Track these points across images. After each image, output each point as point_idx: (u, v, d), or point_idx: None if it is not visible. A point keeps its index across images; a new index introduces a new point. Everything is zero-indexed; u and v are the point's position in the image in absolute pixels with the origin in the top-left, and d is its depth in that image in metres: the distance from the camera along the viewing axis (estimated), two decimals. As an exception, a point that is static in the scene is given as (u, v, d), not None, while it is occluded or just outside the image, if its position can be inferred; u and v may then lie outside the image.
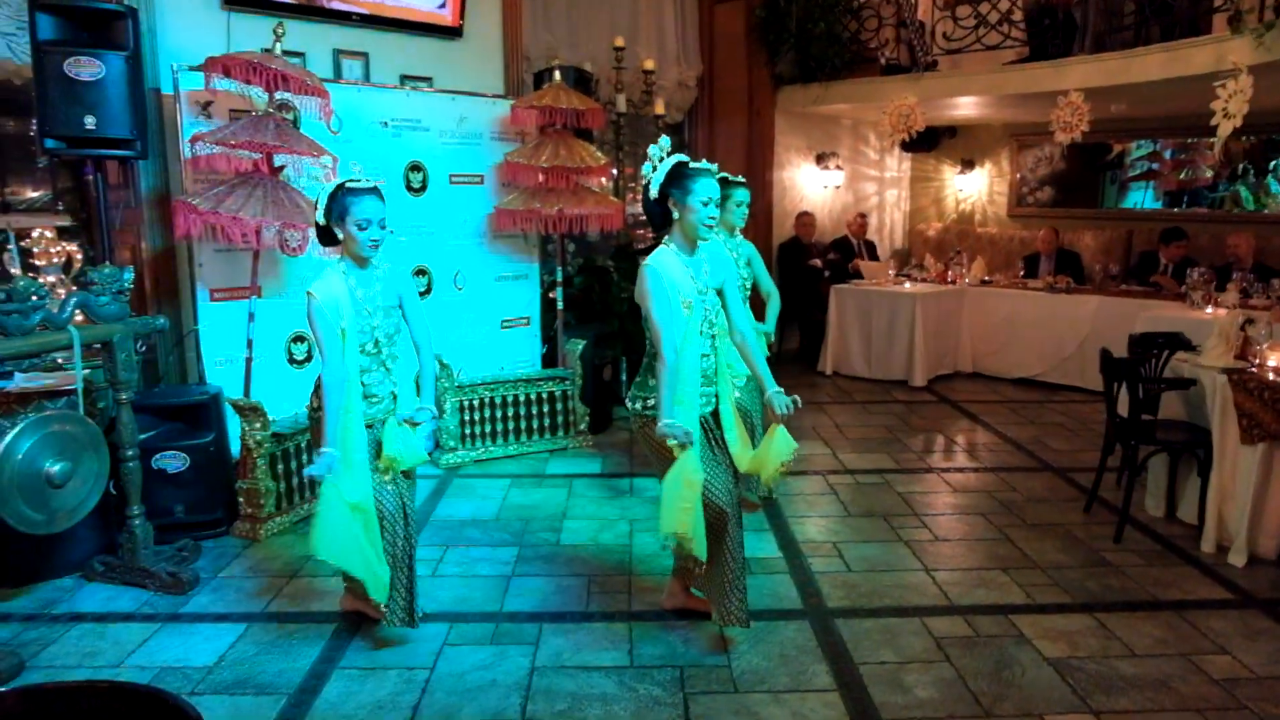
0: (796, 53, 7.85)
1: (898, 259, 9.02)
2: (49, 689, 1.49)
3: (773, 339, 4.38)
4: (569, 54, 6.44)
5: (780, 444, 3.01)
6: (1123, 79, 6.07)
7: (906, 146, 8.46)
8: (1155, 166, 8.44)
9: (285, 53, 4.25)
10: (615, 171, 6.62)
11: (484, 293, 5.54)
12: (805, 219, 8.37)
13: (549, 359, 5.88)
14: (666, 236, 2.96)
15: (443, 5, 5.89)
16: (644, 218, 3.04)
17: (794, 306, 8.01)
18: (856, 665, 2.98)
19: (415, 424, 3.07)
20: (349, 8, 5.48)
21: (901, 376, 7.27)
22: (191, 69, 4.16)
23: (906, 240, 9.83)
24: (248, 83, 4.03)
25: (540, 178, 5.27)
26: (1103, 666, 2.96)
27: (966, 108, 7.94)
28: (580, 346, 5.47)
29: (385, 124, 4.98)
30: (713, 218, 2.88)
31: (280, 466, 4.18)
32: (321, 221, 2.95)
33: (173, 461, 3.95)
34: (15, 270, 3.97)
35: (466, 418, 5.21)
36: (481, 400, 5.25)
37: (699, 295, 2.90)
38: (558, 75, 5.42)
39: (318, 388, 3.02)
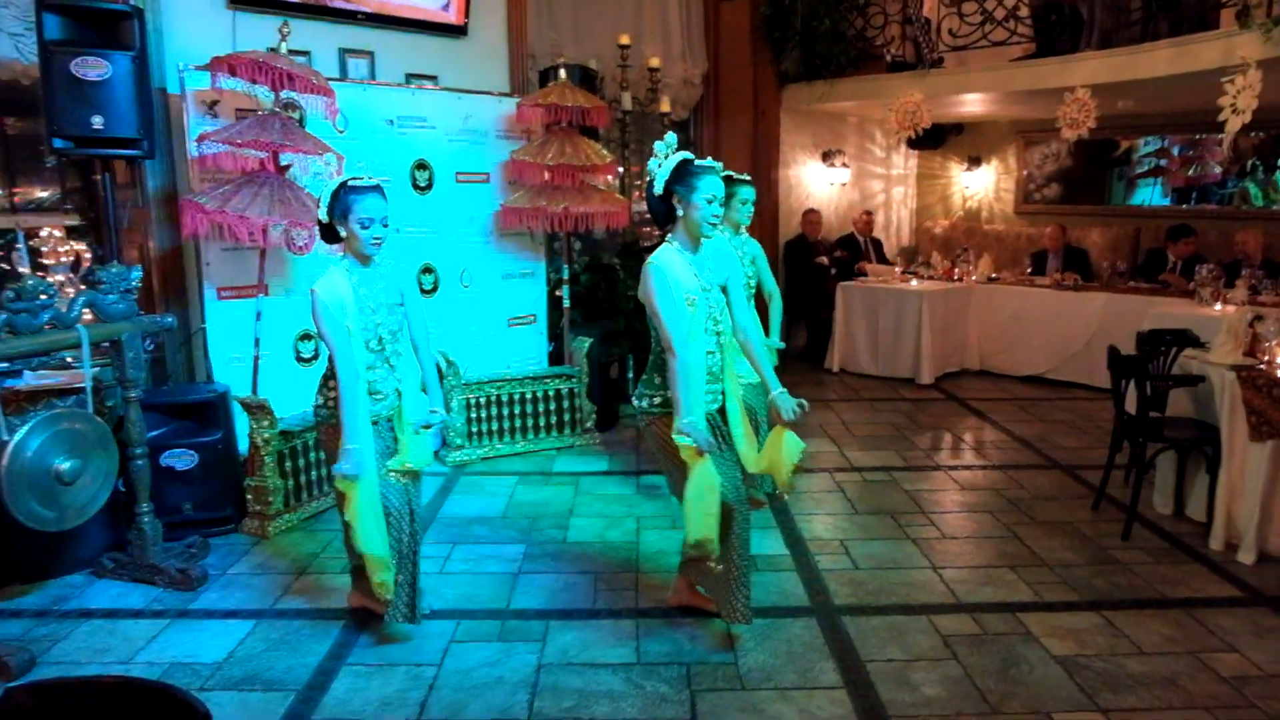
0: (802, 50, 7.83)
1: (904, 256, 8.99)
2: (59, 684, 1.50)
3: (781, 346, 4.38)
4: (574, 52, 6.44)
5: (789, 446, 3.01)
6: (1130, 75, 6.04)
7: (913, 144, 8.46)
8: (1163, 163, 8.39)
9: (291, 52, 4.25)
10: (621, 169, 6.62)
11: (490, 291, 5.55)
12: (811, 216, 8.35)
13: (555, 357, 5.88)
14: (670, 234, 2.96)
15: (447, 4, 5.90)
16: (649, 215, 3.03)
17: (801, 304, 8.01)
18: (864, 663, 2.97)
19: (428, 426, 3.09)
20: (354, 7, 5.49)
21: (909, 374, 7.25)
22: (198, 68, 4.18)
23: (913, 237, 9.80)
24: (254, 82, 4.04)
25: (546, 175, 5.27)
26: (1110, 664, 2.95)
27: (973, 104, 7.91)
28: (587, 344, 5.47)
29: (391, 122, 4.98)
30: (717, 215, 2.88)
31: (288, 464, 4.20)
32: (324, 219, 2.95)
33: (181, 459, 3.97)
34: (24, 269, 4.00)
35: (473, 415, 5.22)
36: (488, 398, 5.26)
37: (703, 292, 2.90)
38: (563, 73, 5.41)
39: (322, 385, 3.03)
